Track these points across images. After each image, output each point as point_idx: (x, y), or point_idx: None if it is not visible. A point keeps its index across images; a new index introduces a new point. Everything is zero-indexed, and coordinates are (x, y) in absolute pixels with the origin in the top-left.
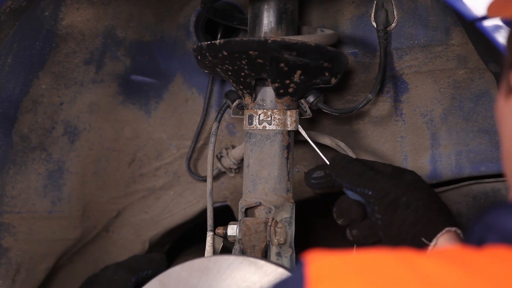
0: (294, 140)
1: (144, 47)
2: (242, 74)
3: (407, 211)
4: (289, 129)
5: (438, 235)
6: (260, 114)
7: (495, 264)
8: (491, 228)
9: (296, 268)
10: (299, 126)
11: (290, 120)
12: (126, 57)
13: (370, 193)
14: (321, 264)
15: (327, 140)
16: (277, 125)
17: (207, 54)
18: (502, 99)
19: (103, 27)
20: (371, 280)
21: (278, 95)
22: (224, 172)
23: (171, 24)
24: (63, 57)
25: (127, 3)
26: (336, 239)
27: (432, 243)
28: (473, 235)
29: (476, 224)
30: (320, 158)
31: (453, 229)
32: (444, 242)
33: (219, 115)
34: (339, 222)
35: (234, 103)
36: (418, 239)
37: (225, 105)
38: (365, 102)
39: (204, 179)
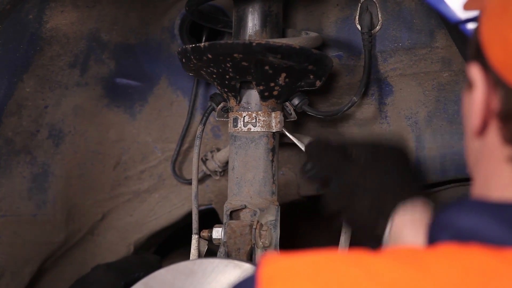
0: (279, 143)
1: (129, 50)
2: (227, 77)
3: (363, 200)
4: (274, 130)
5: (391, 217)
6: (244, 116)
7: (445, 262)
8: (443, 226)
9: (251, 271)
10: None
11: (275, 122)
12: (110, 60)
13: (332, 185)
14: (273, 266)
15: None
16: (262, 126)
17: (192, 57)
18: (465, 94)
19: (88, 30)
20: (321, 281)
21: (263, 97)
22: (209, 175)
23: (156, 27)
24: (48, 60)
25: (112, 6)
26: (321, 241)
27: (387, 229)
28: (429, 233)
29: (432, 222)
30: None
31: (408, 204)
32: (402, 217)
33: (204, 118)
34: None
35: (219, 106)
36: (377, 221)
37: (210, 108)
38: (350, 104)
39: (189, 182)
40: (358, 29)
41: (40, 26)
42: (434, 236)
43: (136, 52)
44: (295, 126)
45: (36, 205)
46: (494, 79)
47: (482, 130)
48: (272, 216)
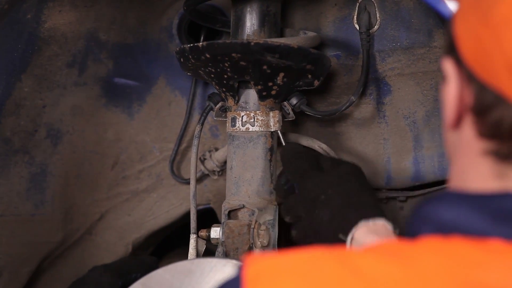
0: (277, 143)
1: (127, 50)
2: (225, 76)
3: (324, 210)
4: (272, 129)
5: (353, 230)
6: (243, 115)
7: (429, 255)
8: (425, 219)
9: (236, 272)
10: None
11: (273, 121)
12: (108, 59)
13: (297, 191)
14: (257, 266)
15: (309, 143)
16: (260, 126)
17: (190, 57)
18: (442, 87)
19: (86, 29)
20: (305, 279)
21: (261, 97)
22: (207, 175)
23: (154, 27)
24: (46, 60)
25: (110, 5)
26: None
27: (348, 239)
28: (411, 227)
29: (413, 216)
30: None
31: (370, 222)
32: (363, 236)
33: (202, 118)
34: (286, 219)
35: (217, 106)
36: (336, 237)
37: (208, 108)
38: (348, 104)
39: (187, 182)
40: (356, 28)
41: (38, 26)
42: (416, 229)
43: (134, 52)
44: (293, 126)
45: (34, 205)
46: (467, 74)
47: (457, 123)
48: (270, 216)
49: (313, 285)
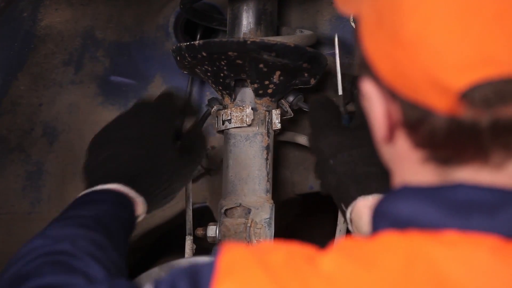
0: (274, 141)
1: (123, 48)
2: (221, 75)
3: (331, 175)
4: (269, 128)
5: (352, 203)
6: (239, 114)
7: (386, 251)
8: (382, 214)
9: (213, 257)
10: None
11: (271, 119)
12: (105, 58)
13: (310, 145)
14: (231, 255)
15: (304, 140)
16: (256, 124)
17: (186, 55)
18: (363, 101)
19: (82, 28)
20: (272, 273)
21: (258, 95)
22: (204, 173)
23: (150, 25)
24: (42, 58)
25: (106, 4)
26: (316, 240)
27: (348, 212)
28: (371, 224)
29: (372, 213)
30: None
31: (370, 197)
32: (361, 210)
33: (201, 123)
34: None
35: (213, 108)
36: (340, 205)
37: (207, 113)
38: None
39: None
40: (352, 27)
41: (35, 24)
42: (376, 225)
43: (131, 50)
44: (291, 124)
45: (31, 203)
46: (389, 92)
47: (390, 138)
48: (266, 214)
49: (278, 281)
